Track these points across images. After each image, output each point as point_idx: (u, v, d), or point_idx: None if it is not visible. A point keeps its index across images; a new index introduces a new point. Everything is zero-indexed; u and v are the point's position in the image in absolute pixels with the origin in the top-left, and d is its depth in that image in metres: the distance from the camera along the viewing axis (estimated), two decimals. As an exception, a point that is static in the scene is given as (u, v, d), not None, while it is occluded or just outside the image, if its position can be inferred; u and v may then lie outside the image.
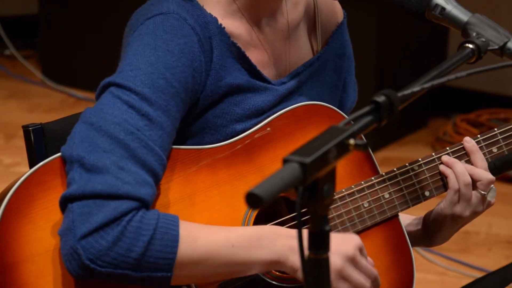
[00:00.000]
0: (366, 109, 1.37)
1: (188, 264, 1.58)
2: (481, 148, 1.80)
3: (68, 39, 4.33)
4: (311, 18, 1.85)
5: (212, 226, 1.64)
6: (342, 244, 1.61)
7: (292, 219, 1.75)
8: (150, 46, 1.63)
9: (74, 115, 1.81)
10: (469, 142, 1.80)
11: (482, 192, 1.76)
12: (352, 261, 1.61)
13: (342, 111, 1.83)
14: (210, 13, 1.70)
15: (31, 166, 1.74)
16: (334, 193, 1.72)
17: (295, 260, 1.59)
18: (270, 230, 1.63)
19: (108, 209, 1.54)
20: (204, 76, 1.67)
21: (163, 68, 1.62)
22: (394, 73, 3.93)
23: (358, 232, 1.76)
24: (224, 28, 1.70)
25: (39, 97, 4.33)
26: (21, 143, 1.79)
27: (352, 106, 1.92)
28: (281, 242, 1.60)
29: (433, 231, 1.82)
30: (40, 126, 1.77)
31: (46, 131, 1.78)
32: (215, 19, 1.69)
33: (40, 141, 1.77)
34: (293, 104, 1.76)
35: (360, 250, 1.62)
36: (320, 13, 1.85)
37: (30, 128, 1.77)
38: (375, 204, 1.77)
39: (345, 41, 1.89)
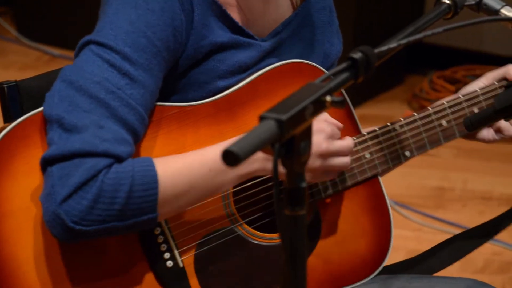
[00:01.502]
0: (343, 65, 1.37)
1: (170, 200, 1.60)
2: (462, 108, 1.80)
3: (43, -4, 4.30)
4: None
5: (186, 154, 1.64)
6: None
7: (268, 177, 1.75)
8: (131, 5, 1.62)
9: (49, 72, 1.80)
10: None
11: None
12: (325, 154, 1.65)
13: (328, 61, 1.83)
14: None
15: (5, 122, 1.73)
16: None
17: (270, 166, 1.63)
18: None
19: (85, 168, 1.54)
20: (185, 35, 1.67)
21: (144, 27, 1.61)
22: (372, 30, 3.92)
23: (339, 191, 1.77)
24: None
25: (14, 54, 4.30)
26: (-4, 100, 1.78)
27: (338, 55, 1.91)
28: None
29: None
30: (15, 83, 1.76)
31: (21, 89, 1.76)
32: None
33: (15, 98, 1.75)
34: (276, 62, 1.75)
35: (331, 136, 1.66)
36: None
37: (5, 86, 1.75)
38: (356, 164, 1.77)
39: None
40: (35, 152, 1.59)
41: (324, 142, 1.65)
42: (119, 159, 1.57)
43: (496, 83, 1.81)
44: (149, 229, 1.64)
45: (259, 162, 1.63)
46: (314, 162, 1.65)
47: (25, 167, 1.59)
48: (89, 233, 1.55)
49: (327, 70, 1.81)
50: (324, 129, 1.66)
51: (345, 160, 1.68)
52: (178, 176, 1.60)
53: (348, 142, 1.68)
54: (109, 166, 1.56)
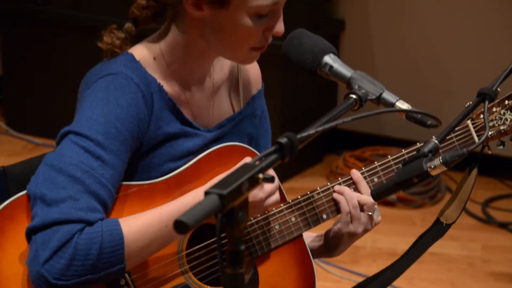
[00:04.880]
0: (272, 148, 1.37)
1: (135, 252, 1.59)
2: (364, 177, 1.81)
3: (27, 97, 4.29)
4: (234, 80, 1.85)
5: (147, 212, 1.63)
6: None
7: (213, 241, 1.74)
8: (103, 101, 1.62)
9: (32, 158, 1.79)
10: (355, 174, 1.81)
11: (369, 212, 1.78)
12: (259, 202, 1.67)
13: (253, 142, 1.84)
14: (150, 74, 1.69)
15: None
16: (252, 218, 1.73)
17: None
18: (192, 195, 1.65)
19: (62, 233, 1.54)
20: (147, 125, 1.67)
21: (114, 119, 1.61)
22: (295, 119, 3.95)
23: (271, 250, 1.76)
24: (162, 86, 1.69)
25: (3, 144, 4.27)
26: (-14, 181, 1.76)
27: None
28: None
29: (332, 246, 1.83)
30: (2, 169, 1.74)
31: (8, 173, 1.74)
32: (155, 79, 1.69)
33: (2, 181, 1.74)
34: None
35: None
36: (242, 77, 1.85)
37: (-7, 171, 1.74)
38: (284, 226, 1.77)
39: (262, 104, 1.90)
40: (20, 228, 1.58)
41: (259, 192, 1.67)
42: (90, 224, 1.56)
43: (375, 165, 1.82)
44: (115, 279, 1.62)
45: None
46: (256, 206, 1.67)
47: (13, 241, 1.59)
48: (69, 286, 1.54)
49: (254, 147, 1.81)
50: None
51: (275, 197, 1.70)
52: (141, 232, 1.60)
53: (274, 184, 1.69)
54: (82, 229, 1.54)
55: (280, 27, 1.68)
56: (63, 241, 1.53)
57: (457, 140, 1.81)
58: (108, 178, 1.59)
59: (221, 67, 1.82)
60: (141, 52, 1.71)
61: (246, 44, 1.68)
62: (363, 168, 1.82)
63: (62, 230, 1.53)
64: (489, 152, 1.78)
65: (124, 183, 1.66)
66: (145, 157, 1.70)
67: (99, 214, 1.57)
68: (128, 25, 1.72)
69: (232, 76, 1.85)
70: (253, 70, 1.88)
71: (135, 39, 1.73)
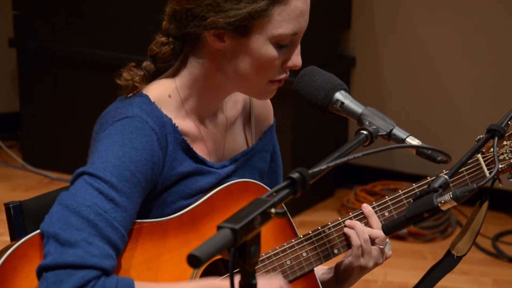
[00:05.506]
0: (284, 183, 1.37)
1: None
2: (376, 212, 1.81)
3: (43, 133, 4.31)
4: (247, 115, 1.86)
5: (162, 283, 1.61)
6: (267, 285, 1.59)
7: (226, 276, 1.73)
8: (118, 143, 1.62)
9: (47, 193, 1.79)
10: (366, 208, 1.80)
11: (381, 246, 1.77)
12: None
13: (263, 175, 1.83)
14: (166, 114, 1.69)
15: (11, 236, 1.71)
16: (263, 254, 1.72)
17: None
18: (208, 283, 1.61)
19: (76, 277, 1.52)
20: (161, 167, 1.67)
21: (129, 162, 1.61)
22: (307, 153, 3.95)
23: None
24: (177, 127, 1.70)
25: (19, 178, 4.27)
26: (4, 217, 1.76)
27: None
28: None
29: (343, 279, 1.81)
30: (19, 203, 1.74)
31: (24, 208, 1.74)
32: (170, 120, 1.69)
33: (19, 216, 1.74)
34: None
35: None
36: (254, 113, 1.86)
37: (11, 205, 1.74)
38: (296, 262, 1.75)
39: (274, 139, 1.90)
40: (34, 268, 1.57)
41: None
42: (105, 272, 1.55)
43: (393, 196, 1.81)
44: None
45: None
46: None
47: (26, 280, 1.58)
48: None
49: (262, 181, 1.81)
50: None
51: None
52: None
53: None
54: (97, 277, 1.54)
55: (298, 60, 1.69)
56: (77, 286, 1.52)
57: (468, 174, 1.80)
58: (120, 221, 1.59)
59: (234, 102, 1.82)
60: (156, 91, 1.71)
61: (265, 75, 1.68)
62: (374, 202, 1.81)
63: (77, 275, 1.52)
64: (500, 185, 1.77)
65: (137, 220, 1.66)
66: (159, 196, 1.70)
67: (112, 261, 1.57)
68: (146, 63, 1.72)
69: (245, 111, 1.85)
70: (265, 106, 1.89)
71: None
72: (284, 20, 1.63)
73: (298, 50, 1.68)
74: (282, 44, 1.66)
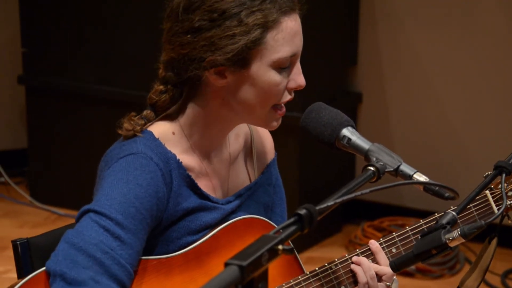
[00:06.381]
0: (291, 220, 1.37)
1: None
2: (383, 248, 1.80)
3: (50, 169, 4.32)
4: (248, 150, 1.86)
5: None
6: None
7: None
8: (123, 180, 1.62)
9: (55, 230, 1.78)
10: (373, 244, 1.79)
11: (388, 283, 1.75)
12: None
13: (268, 209, 1.83)
14: (170, 150, 1.70)
15: (18, 273, 1.70)
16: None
17: None
18: None
19: None
20: (166, 203, 1.67)
21: (134, 198, 1.61)
22: (314, 189, 3.94)
23: None
24: (181, 162, 1.70)
25: (27, 215, 4.27)
26: (12, 253, 1.75)
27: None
28: None
29: None
30: (26, 240, 1.74)
31: (31, 244, 1.74)
32: (174, 155, 1.70)
33: (26, 253, 1.73)
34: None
35: None
36: (256, 147, 1.86)
37: (18, 243, 1.74)
38: None
39: (276, 173, 1.90)
40: None
41: None
42: None
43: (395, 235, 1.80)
44: None
45: None
46: None
47: None
48: None
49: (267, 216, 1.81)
50: None
51: None
52: None
53: None
54: None
55: (301, 79, 1.70)
56: None
57: (476, 210, 1.79)
58: (126, 258, 1.59)
59: (236, 136, 1.83)
60: (160, 128, 1.72)
61: (269, 101, 1.69)
62: (381, 238, 1.81)
63: None
64: (510, 221, 1.76)
65: (142, 257, 1.65)
66: (164, 232, 1.69)
67: None
68: (147, 111, 1.73)
69: (247, 145, 1.86)
70: (266, 139, 1.89)
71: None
72: (280, 43, 1.65)
73: (299, 70, 1.70)
74: (283, 67, 1.67)
